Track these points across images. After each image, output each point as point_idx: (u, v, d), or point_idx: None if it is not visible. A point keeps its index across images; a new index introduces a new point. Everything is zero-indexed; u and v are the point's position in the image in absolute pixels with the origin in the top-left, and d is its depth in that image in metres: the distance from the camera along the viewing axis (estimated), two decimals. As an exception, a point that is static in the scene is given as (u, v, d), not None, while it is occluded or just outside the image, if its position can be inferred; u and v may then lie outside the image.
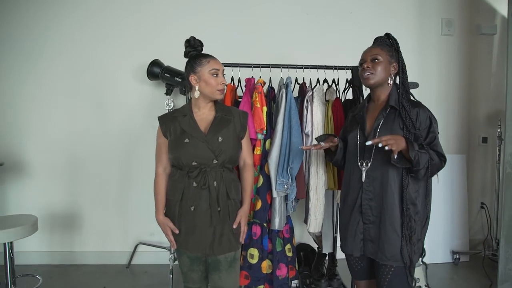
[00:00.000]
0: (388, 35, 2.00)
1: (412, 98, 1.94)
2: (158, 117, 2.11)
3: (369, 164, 1.89)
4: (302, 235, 3.78)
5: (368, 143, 1.76)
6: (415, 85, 3.01)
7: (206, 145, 1.96)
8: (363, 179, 1.91)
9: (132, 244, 3.78)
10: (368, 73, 1.91)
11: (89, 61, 3.64)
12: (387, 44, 1.96)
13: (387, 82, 1.93)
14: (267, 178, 2.48)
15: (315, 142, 2.39)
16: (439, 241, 3.78)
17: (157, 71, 3.37)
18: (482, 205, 4.03)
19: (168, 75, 3.30)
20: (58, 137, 3.67)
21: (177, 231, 2.03)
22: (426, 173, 1.79)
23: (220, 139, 1.98)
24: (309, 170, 2.52)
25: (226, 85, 2.01)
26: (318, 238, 2.93)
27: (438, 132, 1.88)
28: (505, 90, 2.69)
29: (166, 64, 3.39)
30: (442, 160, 1.84)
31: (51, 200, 3.69)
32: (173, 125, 2.04)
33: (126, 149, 3.70)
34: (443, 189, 3.79)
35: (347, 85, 2.77)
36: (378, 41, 1.99)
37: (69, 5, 3.62)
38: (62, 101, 3.65)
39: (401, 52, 1.96)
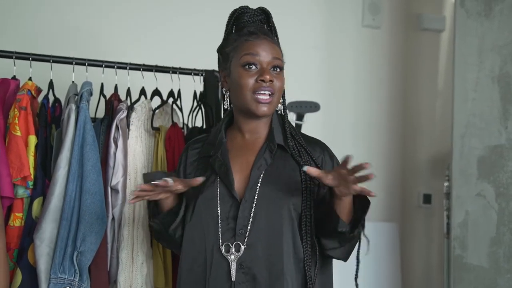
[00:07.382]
0: (265, 13, 1.25)
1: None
2: None
3: (243, 248, 1.15)
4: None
5: (305, 168, 1.09)
6: (315, 107, 2.18)
7: None
8: (233, 277, 1.15)
9: None
10: (268, 96, 1.18)
11: None
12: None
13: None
14: (32, 273, 1.48)
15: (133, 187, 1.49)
16: None
17: None
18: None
19: None
20: None
21: None
22: (350, 251, 1.23)
23: None
24: (117, 256, 1.55)
25: None
26: None
27: None
28: (452, 125, 1.90)
29: None
30: None
31: None
32: None
33: None
34: (364, 284, 2.56)
35: (196, 102, 1.74)
36: (263, 27, 1.25)
37: None
38: None
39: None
